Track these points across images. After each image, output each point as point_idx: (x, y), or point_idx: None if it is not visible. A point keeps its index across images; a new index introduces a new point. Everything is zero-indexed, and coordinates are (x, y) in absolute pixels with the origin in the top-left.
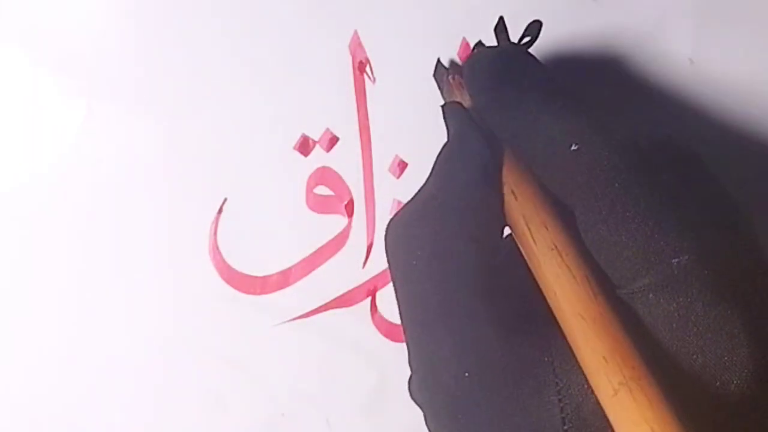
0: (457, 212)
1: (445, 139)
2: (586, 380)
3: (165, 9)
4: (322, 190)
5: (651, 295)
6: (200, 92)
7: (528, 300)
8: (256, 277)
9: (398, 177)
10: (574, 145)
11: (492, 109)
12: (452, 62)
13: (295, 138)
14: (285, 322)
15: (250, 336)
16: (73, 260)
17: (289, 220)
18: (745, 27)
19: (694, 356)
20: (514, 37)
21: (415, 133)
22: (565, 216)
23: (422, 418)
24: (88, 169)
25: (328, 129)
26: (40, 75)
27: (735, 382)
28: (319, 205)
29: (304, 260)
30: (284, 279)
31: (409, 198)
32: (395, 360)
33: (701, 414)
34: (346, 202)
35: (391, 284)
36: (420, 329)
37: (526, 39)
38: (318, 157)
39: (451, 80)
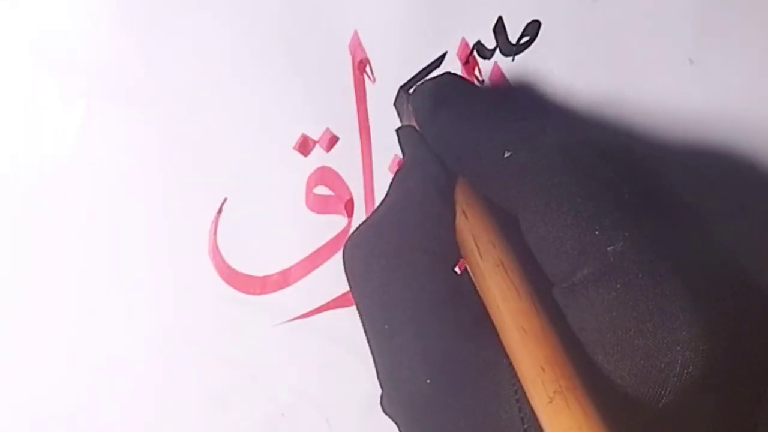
0: (413, 226)
1: None
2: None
3: (165, 9)
4: (322, 190)
5: (590, 286)
6: (200, 92)
7: (482, 307)
8: (256, 277)
9: None
10: (506, 152)
11: (433, 135)
12: (408, 92)
13: (295, 138)
14: (285, 322)
15: (250, 336)
16: (73, 260)
17: (289, 220)
18: (745, 27)
19: (636, 341)
20: (514, 37)
21: None
22: (515, 228)
23: None
24: (88, 168)
25: (328, 129)
26: (40, 75)
27: (680, 361)
28: (319, 205)
29: (304, 260)
30: (284, 279)
31: None
32: None
33: (643, 405)
34: (346, 202)
35: None
36: (382, 341)
37: (526, 39)
38: (318, 157)
39: (409, 107)
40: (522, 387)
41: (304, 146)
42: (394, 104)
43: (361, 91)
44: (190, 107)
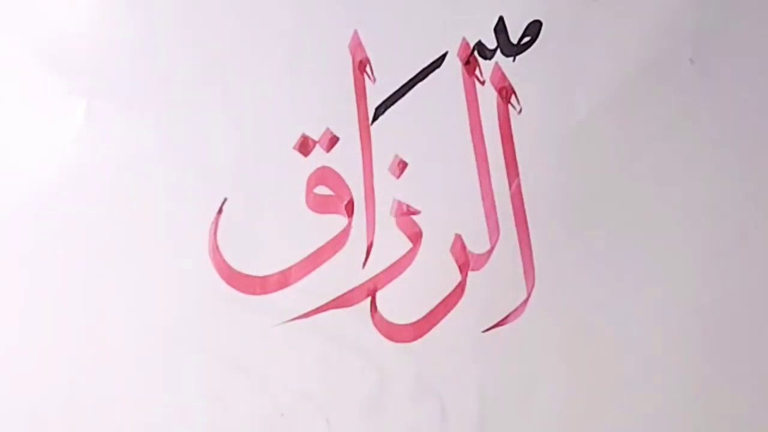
0: None
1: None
2: None
3: (165, 10)
4: (322, 190)
5: None
6: (200, 92)
7: None
8: (256, 277)
9: (398, 177)
10: None
11: None
12: None
13: (295, 138)
14: (285, 322)
15: (250, 336)
16: (73, 260)
17: (289, 220)
18: (745, 27)
19: None
20: (514, 37)
21: (415, 133)
22: None
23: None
24: (88, 168)
25: (328, 129)
26: (41, 75)
27: None
28: (319, 205)
29: (304, 260)
30: (284, 279)
31: (409, 198)
32: (395, 360)
33: None
34: (346, 202)
35: (391, 283)
36: None
37: (526, 39)
38: (318, 157)
39: None
40: None
41: (304, 146)
42: None
43: (361, 91)
44: (190, 107)
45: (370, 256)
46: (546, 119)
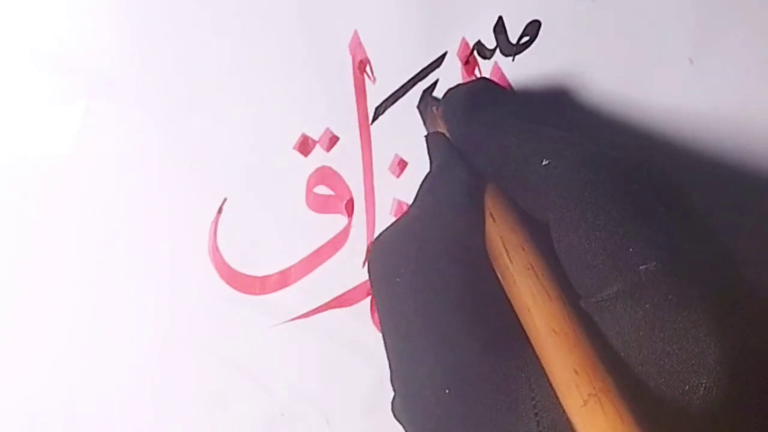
0: (440, 232)
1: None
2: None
3: (164, 9)
4: (322, 189)
5: (619, 303)
6: (200, 92)
7: (507, 318)
8: (256, 277)
9: (398, 177)
10: (544, 160)
11: (466, 142)
12: (434, 96)
13: (295, 138)
14: (285, 322)
15: (250, 336)
16: (73, 260)
17: (289, 220)
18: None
19: (662, 362)
20: (514, 37)
21: (415, 133)
22: (543, 236)
23: None
24: (88, 169)
25: (328, 129)
26: (40, 75)
27: (704, 385)
28: (319, 205)
29: (304, 260)
30: (284, 279)
31: (409, 198)
32: None
33: (670, 421)
34: (346, 202)
35: None
36: (401, 347)
37: (525, 39)
38: (318, 156)
39: (434, 111)
40: (551, 396)
41: (304, 146)
42: (418, 107)
43: (361, 91)
44: (190, 107)
45: None
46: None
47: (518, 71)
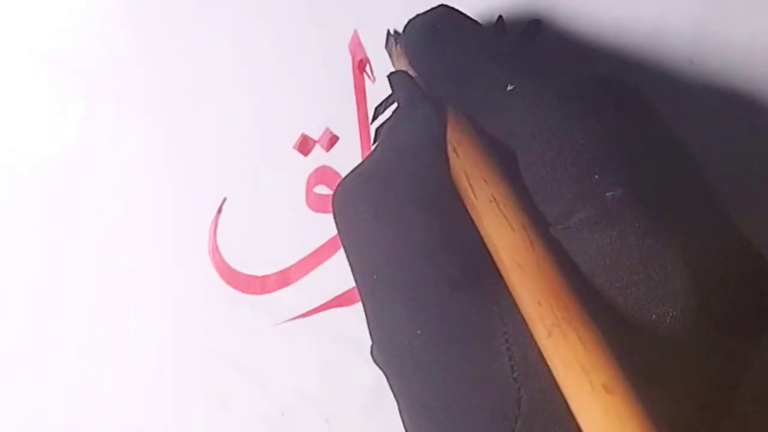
0: (404, 174)
1: None
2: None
3: (165, 10)
4: (322, 189)
5: (585, 230)
6: (200, 92)
7: (477, 255)
8: (256, 277)
9: None
10: (510, 85)
11: (429, 69)
12: (398, 32)
13: (295, 138)
14: (285, 322)
15: (250, 336)
16: (73, 260)
17: (289, 220)
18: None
19: (629, 289)
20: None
21: None
22: (512, 165)
23: None
24: (88, 169)
25: (328, 129)
26: (41, 75)
27: (671, 314)
28: (319, 205)
29: (304, 260)
30: (284, 279)
31: None
32: None
33: (637, 349)
34: None
35: None
36: (372, 293)
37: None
38: (318, 156)
39: (399, 49)
40: (523, 330)
41: (304, 146)
42: (385, 47)
43: (361, 91)
44: (190, 107)
45: None
46: None
47: None
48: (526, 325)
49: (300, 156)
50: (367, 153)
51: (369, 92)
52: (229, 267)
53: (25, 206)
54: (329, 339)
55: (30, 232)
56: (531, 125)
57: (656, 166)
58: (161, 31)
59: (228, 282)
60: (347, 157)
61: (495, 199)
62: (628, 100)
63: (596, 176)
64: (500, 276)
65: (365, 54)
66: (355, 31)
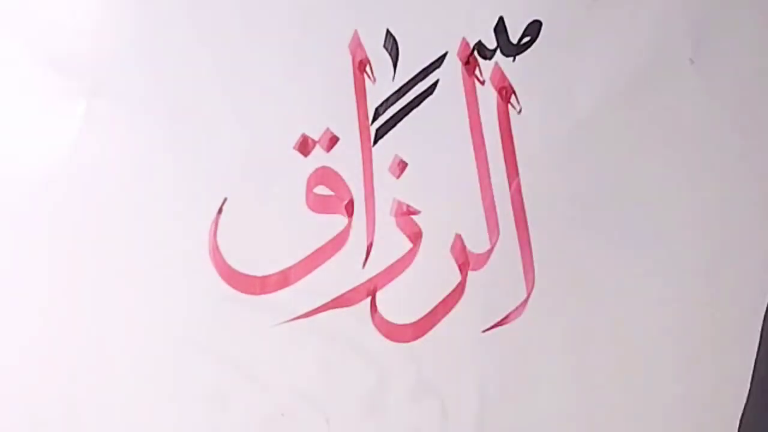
0: None
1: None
2: None
3: (165, 10)
4: (322, 190)
5: None
6: (200, 92)
7: None
8: (256, 277)
9: (398, 177)
10: None
11: None
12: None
13: (295, 138)
14: (285, 322)
15: (250, 336)
16: (73, 260)
17: (289, 220)
18: (745, 27)
19: None
20: (514, 37)
21: (415, 133)
22: None
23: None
24: (88, 169)
25: (328, 129)
26: (41, 75)
27: None
28: (319, 205)
29: (304, 260)
30: (284, 279)
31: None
32: (395, 360)
33: None
34: (346, 202)
35: (391, 283)
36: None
37: (526, 39)
38: (318, 157)
39: None
40: None
41: (304, 146)
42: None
43: (361, 91)
44: (190, 108)
45: (370, 256)
46: (546, 119)
47: (519, 71)
48: None
49: (300, 156)
50: (368, 153)
51: (369, 92)
52: (229, 267)
53: (26, 206)
54: (329, 339)
55: (30, 232)
56: None
57: None
58: (162, 32)
59: (228, 282)
60: (347, 157)
61: None
62: None
63: None
64: None
65: (365, 54)
66: (355, 31)
